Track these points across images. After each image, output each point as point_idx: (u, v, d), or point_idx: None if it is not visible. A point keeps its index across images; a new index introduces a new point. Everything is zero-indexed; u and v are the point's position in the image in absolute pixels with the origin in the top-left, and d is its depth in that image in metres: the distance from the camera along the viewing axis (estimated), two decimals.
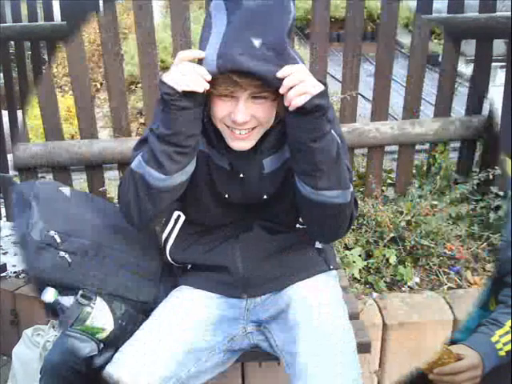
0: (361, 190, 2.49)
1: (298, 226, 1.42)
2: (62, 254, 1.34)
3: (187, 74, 1.07)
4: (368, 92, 3.27)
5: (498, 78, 2.82)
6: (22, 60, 2.59)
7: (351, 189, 1.23)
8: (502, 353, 1.29)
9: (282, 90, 1.07)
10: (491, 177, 2.21)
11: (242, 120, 1.13)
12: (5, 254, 2.34)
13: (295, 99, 1.06)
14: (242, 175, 1.31)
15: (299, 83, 1.05)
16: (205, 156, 1.30)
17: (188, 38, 2.08)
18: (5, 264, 2.20)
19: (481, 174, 2.24)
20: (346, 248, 2.10)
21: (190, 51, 1.11)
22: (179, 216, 1.44)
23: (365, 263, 2.05)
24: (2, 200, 2.61)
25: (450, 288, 2.00)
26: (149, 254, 1.51)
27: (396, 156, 2.48)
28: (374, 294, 1.94)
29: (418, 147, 2.55)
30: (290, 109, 1.08)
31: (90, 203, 1.54)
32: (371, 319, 1.81)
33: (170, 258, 1.46)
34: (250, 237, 1.40)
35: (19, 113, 2.71)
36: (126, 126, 2.22)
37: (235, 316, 1.40)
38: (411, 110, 2.35)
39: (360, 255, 2.06)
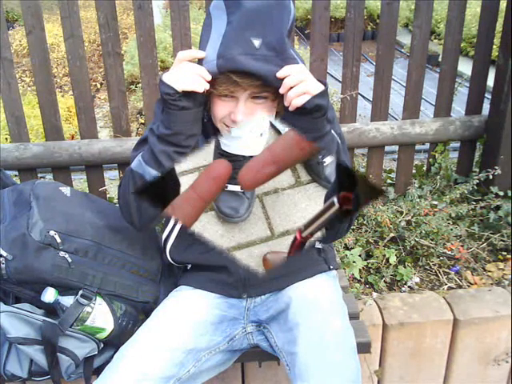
0: None
1: None
2: (62, 254, 1.34)
3: (187, 74, 1.07)
4: (368, 92, 3.27)
5: None
6: None
7: None
8: None
9: (282, 90, 1.07)
10: (491, 177, 2.22)
11: (242, 120, 1.13)
12: None
13: (295, 99, 1.06)
14: None
15: (299, 83, 1.05)
16: None
17: (188, 38, 2.08)
18: None
19: (481, 174, 2.25)
20: (346, 248, 2.10)
21: (189, 51, 1.11)
22: None
23: (365, 263, 2.05)
24: None
25: (450, 288, 2.00)
26: (149, 254, 1.51)
27: (396, 156, 2.48)
28: (374, 294, 1.94)
29: (417, 147, 2.55)
30: (290, 109, 1.08)
31: (90, 203, 1.54)
32: (371, 319, 1.81)
33: (170, 258, 1.46)
34: None
35: None
36: (126, 126, 2.22)
37: (235, 316, 1.40)
38: (411, 110, 2.35)
39: (360, 255, 2.06)
